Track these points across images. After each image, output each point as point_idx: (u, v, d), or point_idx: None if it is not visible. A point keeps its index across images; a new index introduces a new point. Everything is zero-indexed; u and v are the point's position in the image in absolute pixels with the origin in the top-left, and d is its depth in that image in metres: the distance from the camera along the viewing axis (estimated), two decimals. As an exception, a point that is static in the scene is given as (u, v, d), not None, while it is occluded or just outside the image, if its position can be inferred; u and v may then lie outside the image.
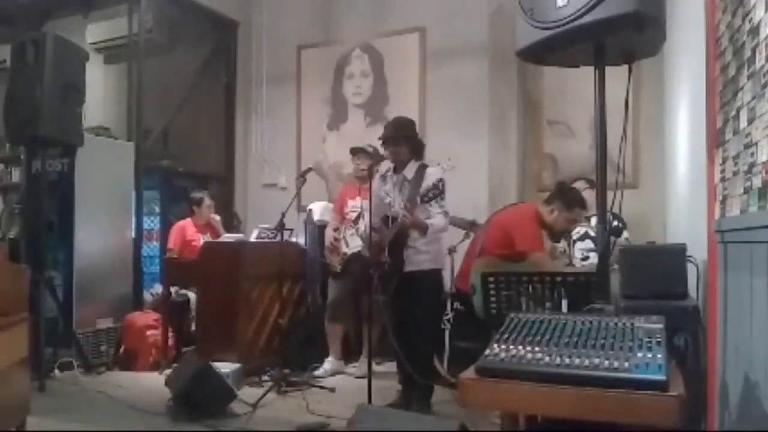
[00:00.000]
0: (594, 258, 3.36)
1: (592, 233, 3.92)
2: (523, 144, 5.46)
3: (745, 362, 1.82)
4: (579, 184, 4.15)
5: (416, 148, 3.49)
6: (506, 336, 1.54)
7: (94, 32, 6.08)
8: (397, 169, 3.51)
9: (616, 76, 1.99)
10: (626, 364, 1.32)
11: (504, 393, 1.41)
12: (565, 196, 3.44)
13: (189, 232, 5.07)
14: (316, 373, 4.28)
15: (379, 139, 3.55)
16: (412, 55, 5.42)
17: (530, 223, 3.41)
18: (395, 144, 3.45)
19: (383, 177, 3.59)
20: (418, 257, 3.40)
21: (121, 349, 4.54)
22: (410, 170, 3.43)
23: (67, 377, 4.08)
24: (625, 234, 3.98)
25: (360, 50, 5.68)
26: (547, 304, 2.21)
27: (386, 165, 3.65)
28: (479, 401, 1.52)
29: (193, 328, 4.65)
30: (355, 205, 4.37)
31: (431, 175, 3.34)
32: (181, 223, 5.17)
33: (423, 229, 3.30)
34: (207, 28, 6.23)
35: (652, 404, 1.26)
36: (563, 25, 1.78)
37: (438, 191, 3.28)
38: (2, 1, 5.55)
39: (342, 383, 4.07)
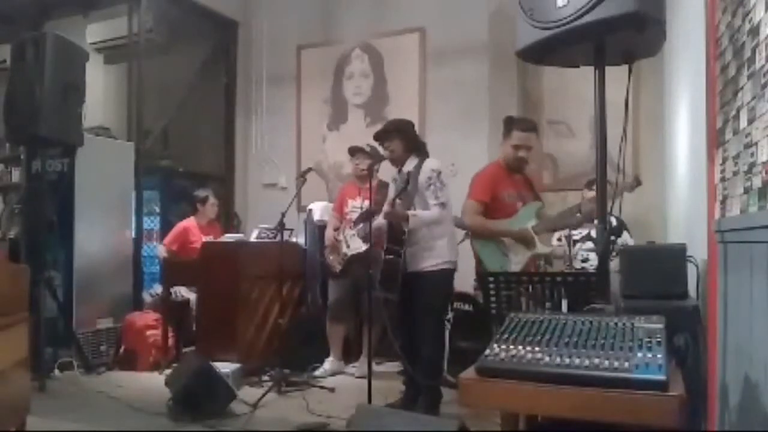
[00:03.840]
0: (594, 260, 3.35)
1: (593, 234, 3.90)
2: (523, 144, 5.45)
3: (745, 362, 1.82)
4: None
5: (410, 143, 3.46)
6: (506, 336, 1.53)
7: (94, 32, 6.08)
8: (399, 167, 3.51)
9: (616, 75, 2.00)
10: (626, 364, 1.32)
11: (504, 393, 1.41)
12: (504, 126, 3.52)
13: (191, 234, 5.06)
14: (316, 373, 4.29)
15: (374, 138, 3.56)
16: (412, 55, 5.42)
17: (482, 171, 3.52)
18: (387, 139, 3.46)
19: (394, 180, 3.58)
20: (420, 255, 3.32)
21: (121, 349, 4.54)
22: (410, 165, 3.41)
23: (67, 377, 4.08)
24: (629, 239, 3.94)
25: (360, 50, 5.68)
26: (547, 304, 2.20)
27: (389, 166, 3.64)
28: (479, 401, 1.52)
29: (194, 328, 4.65)
30: (355, 204, 4.37)
31: (427, 166, 3.32)
32: (184, 223, 5.17)
33: (404, 219, 3.22)
34: (207, 28, 6.23)
35: (652, 404, 1.26)
36: (563, 25, 1.78)
37: (431, 181, 3.23)
38: (2, 1, 5.55)
39: (342, 383, 4.08)
